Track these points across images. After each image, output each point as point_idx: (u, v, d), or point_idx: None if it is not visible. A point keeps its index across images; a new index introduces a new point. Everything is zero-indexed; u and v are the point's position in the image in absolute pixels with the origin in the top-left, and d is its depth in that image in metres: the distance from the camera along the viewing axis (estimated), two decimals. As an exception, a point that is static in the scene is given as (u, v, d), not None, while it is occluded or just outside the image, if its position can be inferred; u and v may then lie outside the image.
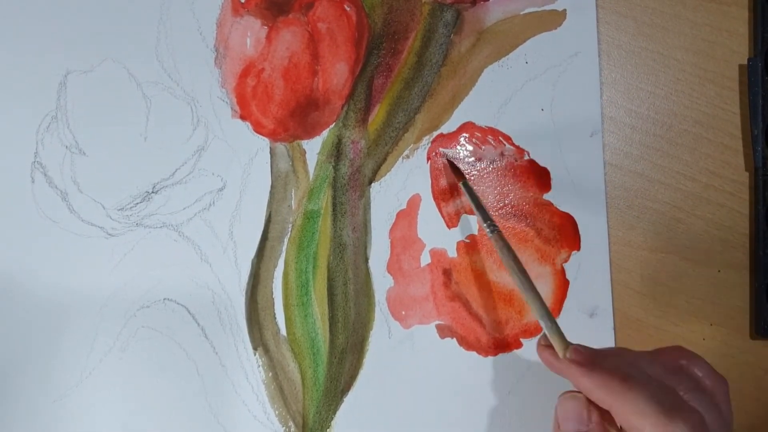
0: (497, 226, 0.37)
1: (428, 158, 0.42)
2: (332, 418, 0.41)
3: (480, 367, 0.41)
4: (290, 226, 0.42)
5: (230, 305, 0.42)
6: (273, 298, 0.42)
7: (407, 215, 0.42)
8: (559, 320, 0.41)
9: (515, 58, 0.42)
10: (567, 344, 0.31)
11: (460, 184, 0.40)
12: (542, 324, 0.33)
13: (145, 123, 0.42)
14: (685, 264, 0.41)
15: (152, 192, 0.42)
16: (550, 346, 0.32)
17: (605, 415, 0.29)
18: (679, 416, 0.27)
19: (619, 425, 0.28)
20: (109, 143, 0.42)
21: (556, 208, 0.42)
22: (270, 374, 0.41)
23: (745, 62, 0.41)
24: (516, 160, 0.42)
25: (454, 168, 0.41)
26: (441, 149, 0.42)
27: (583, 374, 0.29)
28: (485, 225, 0.37)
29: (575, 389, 0.30)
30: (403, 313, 0.42)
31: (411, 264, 0.42)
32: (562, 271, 0.41)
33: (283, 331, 0.42)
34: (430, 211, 0.42)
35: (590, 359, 0.30)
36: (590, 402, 0.29)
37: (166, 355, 0.41)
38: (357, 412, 0.41)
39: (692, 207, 0.42)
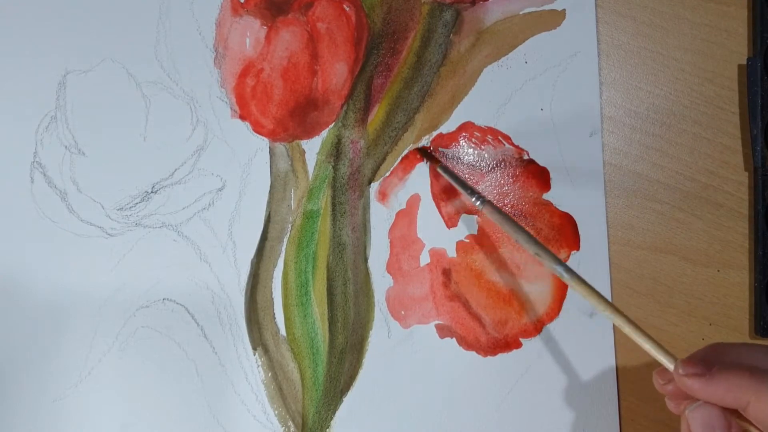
0: (485, 197, 0.38)
1: (428, 158, 0.42)
2: (332, 418, 0.41)
3: (479, 367, 0.41)
4: (290, 225, 0.42)
5: (230, 305, 0.42)
6: (272, 298, 0.42)
7: (407, 215, 0.42)
8: (559, 320, 0.41)
9: (515, 58, 0.42)
10: (674, 358, 0.29)
11: (438, 169, 0.41)
12: (644, 344, 0.30)
13: (144, 123, 0.42)
14: (685, 264, 0.41)
15: (151, 192, 0.42)
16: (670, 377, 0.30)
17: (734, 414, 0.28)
18: None
19: (752, 420, 0.27)
20: (109, 143, 0.42)
21: (555, 207, 0.42)
22: (269, 374, 0.41)
23: (745, 62, 0.41)
24: (515, 160, 0.42)
25: (426, 155, 0.41)
26: (413, 146, 0.42)
27: (705, 383, 0.28)
28: (473, 200, 0.38)
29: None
30: (403, 312, 0.42)
31: (410, 264, 0.42)
32: (562, 271, 0.41)
33: (283, 331, 0.42)
34: (430, 210, 0.42)
35: (706, 366, 0.28)
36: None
37: (165, 355, 0.41)
38: (356, 412, 0.41)
39: (692, 207, 0.42)
